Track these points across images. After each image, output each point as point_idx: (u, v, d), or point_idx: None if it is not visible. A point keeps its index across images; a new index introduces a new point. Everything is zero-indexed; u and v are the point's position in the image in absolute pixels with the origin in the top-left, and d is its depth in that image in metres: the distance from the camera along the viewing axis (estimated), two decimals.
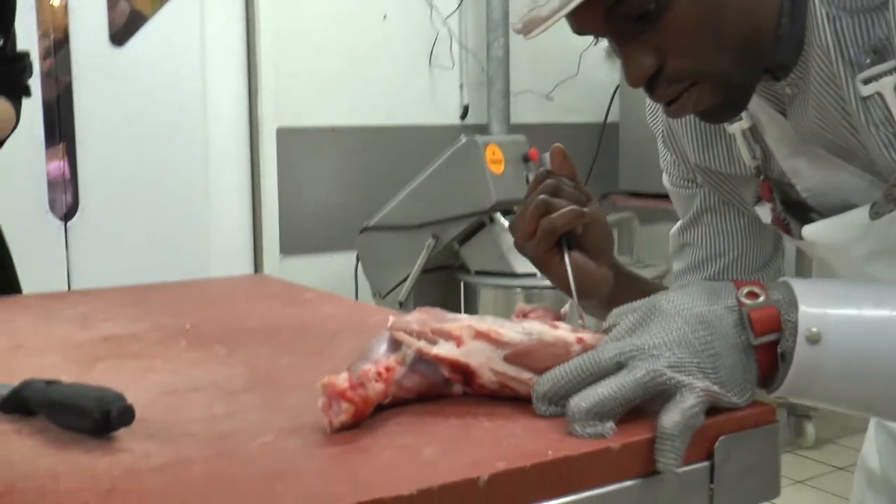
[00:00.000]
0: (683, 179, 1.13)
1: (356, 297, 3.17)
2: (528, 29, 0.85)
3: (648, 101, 1.11)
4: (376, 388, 0.79)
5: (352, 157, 3.33)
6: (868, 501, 1.18)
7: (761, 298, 0.77)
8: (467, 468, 0.66)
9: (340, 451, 0.71)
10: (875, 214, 0.88)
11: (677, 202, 1.17)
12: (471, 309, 3.00)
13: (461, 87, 3.57)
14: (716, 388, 0.74)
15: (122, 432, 0.75)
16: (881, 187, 0.88)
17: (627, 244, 3.63)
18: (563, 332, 0.84)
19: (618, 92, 3.79)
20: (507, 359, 0.83)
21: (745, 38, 0.86)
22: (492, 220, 2.85)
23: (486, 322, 0.86)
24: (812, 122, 0.90)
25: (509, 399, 0.83)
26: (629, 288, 1.05)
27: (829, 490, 3.18)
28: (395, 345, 0.87)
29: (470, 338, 0.84)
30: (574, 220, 0.95)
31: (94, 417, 0.73)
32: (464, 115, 3.53)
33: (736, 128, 0.99)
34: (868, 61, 0.83)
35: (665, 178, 1.18)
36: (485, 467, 0.66)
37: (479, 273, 2.94)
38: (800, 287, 0.77)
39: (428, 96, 3.54)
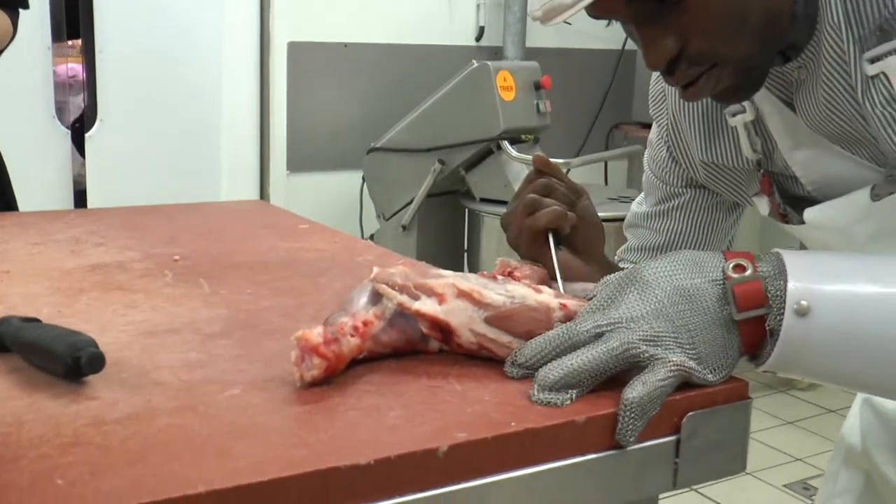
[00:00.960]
0: (675, 178, 1.13)
1: (360, 218, 3.16)
2: (548, 17, 0.84)
3: (652, 94, 1.10)
4: (351, 343, 0.79)
5: (363, 75, 3.30)
6: (842, 477, 1.19)
7: (748, 272, 0.76)
8: (428, 437, 0.67)
9: (306, 409, 0.72)
10: (875, 196, 0.87)
11: (652, 190, 1.18)
12: (474, 236, 2.99)
13: (478, 7, 3.51)
14: (691, 363, 0.74)
15: (93, 376, 0.75)
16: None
17: (637, 177, 3.60)
18: (547, 296, 0.84)
19: None
20: (489, 320, 0.83)
21: (765, 19, 0.85)
22: (499, 147, 2.82)
23: (469, 281, 0.85)
24: (821, 107, 0.89)
25: (485, 359, 0.83)
26: None
27: (820, 432, 3.20)
28: (376, 297, 0.87)
29: (453, 296, 0.83)
30: (558, 220, 0.97)
31: (65, 363, 0.74)
32: (479, 37, 3.47)
33: (738, 120, 0.98)
34: (874, 40, 0.81)
35: (646, 162, 1.18)
36: (446, 437, 0.66)
37: (483, 200, 2.92)
38: (791, 259, 0.76)
39: (443, 16, 3.48)
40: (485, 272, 0.93)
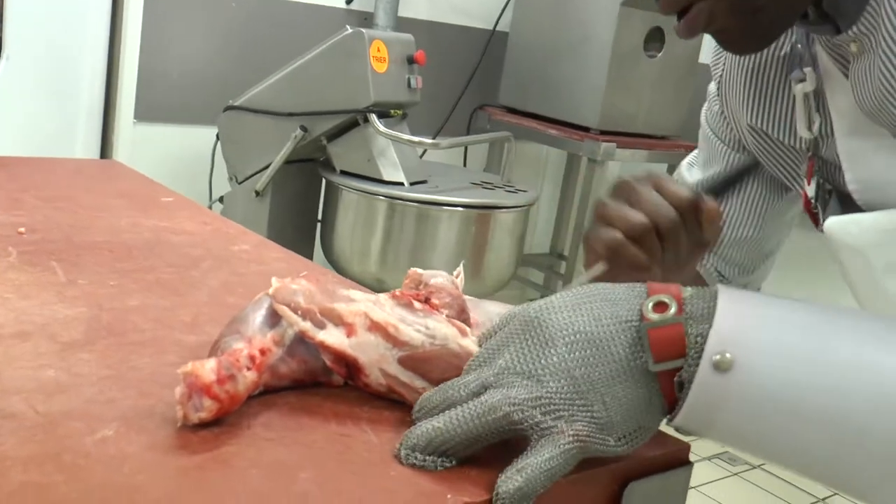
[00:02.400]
0: (727, 135, 1.01)
1: (210, 178, 2.97)
2: None
3: (715, 45, 0.98)
4: (247, 379, 0.67)
5: (226, 26, 3.08)
6: None
7: (670, 311, 0.61)
8: None
9: (196, 464, 0.59)
10: None
11: (704, 145, 1.05)
12: (330, 208, 2.86)
13: None
14: (593, 431, 0.61)
15: None
16: None
17: (498, 163, 3.55)
18: (471, 342, 0.73)
19: (512, 0, 3.64)
20: (402, 361, 0.72)
21: None
22: (366, 120, 2.69)
23: (384, 309, 0.74)
24: (877, 92, 0.75)
25: (394, 401, 0.73)
26: None
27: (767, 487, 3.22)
28: (274, 317, 0.75)
29: (364, 328, 0.72)
30: (616, 243, 0.82)
31: None
32: (349, 0, 3.31)
33: (799, 89, 0.85)
34: None
35: (703, 116, 1.05)
36: None
37: (344, 173, 2.79)
38: (726, 298, 0.62)
39: None
40: (397, 292, 0.82)
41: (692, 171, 1.07)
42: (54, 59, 2.79)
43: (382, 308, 0.74)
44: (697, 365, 0.60)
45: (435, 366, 0.72)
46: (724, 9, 0.75)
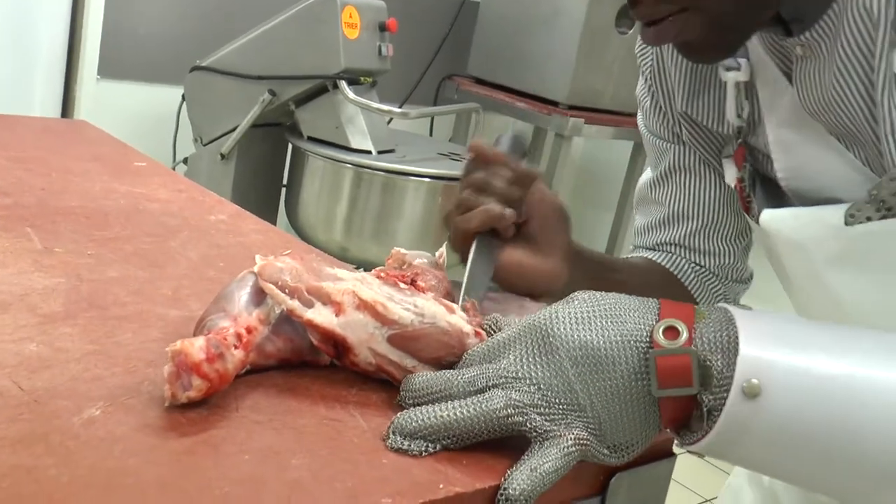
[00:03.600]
0: (663, 129, 1.01)
1: (175, 139, 2.92)
2: None
3: (638, 42, 0.98)
4: (235, 357, 0.66)
5: None
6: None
7: (681, 339, 0.61)
8: (344, 501, 0.55)
9: (187, 448, 0.58)
10: (850, 217, 0.76)
11: (649, 150, 1.05)
12: (296, 174, 2.83)
13: None
14: (590, 438, 0.62)
15: None
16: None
17: (465, 134, 3.53)
18: (459, 319, 0.72)
19: None
20: (392, 340, 0.71)
21: None
22: (336, 86, 2.66)
23: (372, 288, 0.73)
24: (827, 93, 0.77)
25: (382, 381, 0.72)
26: (603, 281, 0.88)
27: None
28: (259, 295, 0.73)
29: (352, 307, 0.71)
30: (489, 220, 0.83)
31: None
32: None
33: (731, 77, 0.87)
34: None
35: (640, 121, 1.05)
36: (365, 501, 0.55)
37: (311, 139, 2.76)
38: (743, 323, 0.62)
39: None
40: (382, 271, 0.81)
41: (645, 175, 1.08)
42: (12, 8, 2.72)
43: (370, 287, 0.73)
44: (726, 393, 0.60)
45: (425, 344, 0.71)
46: (696, 23, 0.76)
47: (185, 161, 2.91)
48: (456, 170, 2.76)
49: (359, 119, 2.73)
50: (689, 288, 1.04)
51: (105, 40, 2.87)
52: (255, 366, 0.70)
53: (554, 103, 3.27)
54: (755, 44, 0.85)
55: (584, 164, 4.25)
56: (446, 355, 0.71)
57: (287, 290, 0.72)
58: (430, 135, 3.65)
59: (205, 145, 2.85)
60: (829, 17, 0.76)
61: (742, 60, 0.86)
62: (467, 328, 0.73)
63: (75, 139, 1.41)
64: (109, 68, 2.89)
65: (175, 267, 0.91)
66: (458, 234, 0.84)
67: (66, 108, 2.88)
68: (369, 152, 2.71)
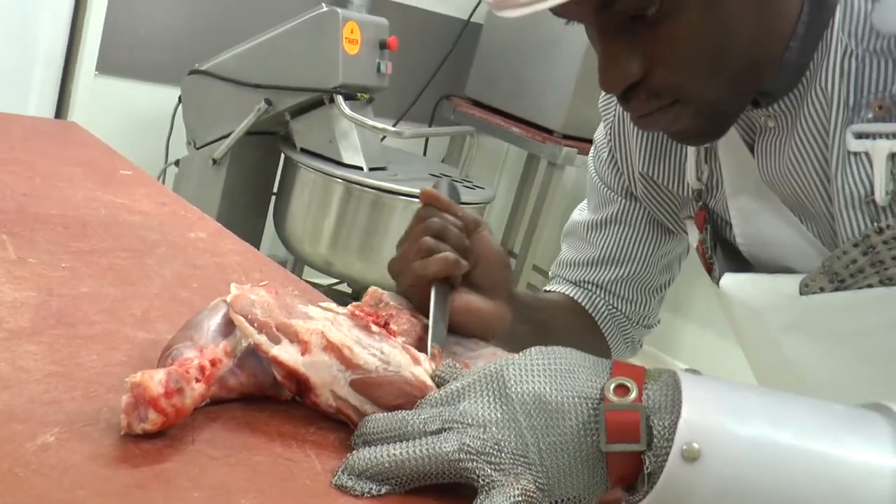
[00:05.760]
0: (615, 182, 1.04)
1: (168, 140, 2.92)
2: (499, 5, 0.72)
3: (603, 93, 1.00)
4: (195, 392, 0.66)
5: None
6: None
7: (631, 396, 0.62)
8: None
9: (138, 481, 0.58)
10: (805, 287, 0.78)
11: (593, 192, 1.07)
12: (286, 184, 2.83)
13: None
14: (537, 491, 0.63)
15: None
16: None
17: (458, 155, 3.54)
18: (423, 371, 0.73)
19: None
20: (354, 384, 0.71)
21: (747, 66, 0.75)
22: (332, 100, 2.66)
23: (341, 330, 0.73)
24: (785, 166, 0.80)
25: (340, 422, 0.72)
26: (529, 323, 0.95)
27: None
28: (229, 326, 0.74)
29: (319, 347, 0.72)
30: (448, 268, 0.85)
31: None
32: None
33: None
34: (870, 115, 0.72)
35: (591, 163, 1.07)
36: None
37: (304, 151, 2.76)
38: (689, 387, 0.62)
39: None
40: (357, 308, 0.81)
41: (582, 213, 1.11)
42: (14, 1, 2.72)
43: (340, 328, 0.74)
44: (666, 455, 0.61)
45: (386, 391, 0.72)
46: (689, 113, 0.77)
47: (177, 163, 2.91)
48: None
49: (353, 134, 2.73)
50: (603, 328, 1.09)
51: (105, 36, 2.87)
52: (216, 398, 0.70)
53: (549, 131, 3.28)
54: None
55: (576, 193, 4.26)
56: (406, 404, 0.72)
57: (256, 324, 0.72)
58: (424, 154, 3.66)
59: (198, 149, 2.85)
60: (796, 92, 0.78)
61: None
62: (430, 381, 0.74)
63: (64, 142, 1.41)
64: (108, 65, 2.89)
65: (148, 285, 0.91)
66: (415, 279, 0.86)
67: (62, 101, 2.88)
68: (361, 168, 2.71)
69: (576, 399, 0.64)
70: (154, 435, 0.63)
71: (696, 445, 0.60)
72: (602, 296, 1.09)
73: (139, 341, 0.78)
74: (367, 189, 2.67)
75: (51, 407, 0.64)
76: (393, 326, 0.80)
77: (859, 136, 0.73)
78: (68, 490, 0.55)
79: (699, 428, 0.61)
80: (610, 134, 1.01)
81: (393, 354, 0.73)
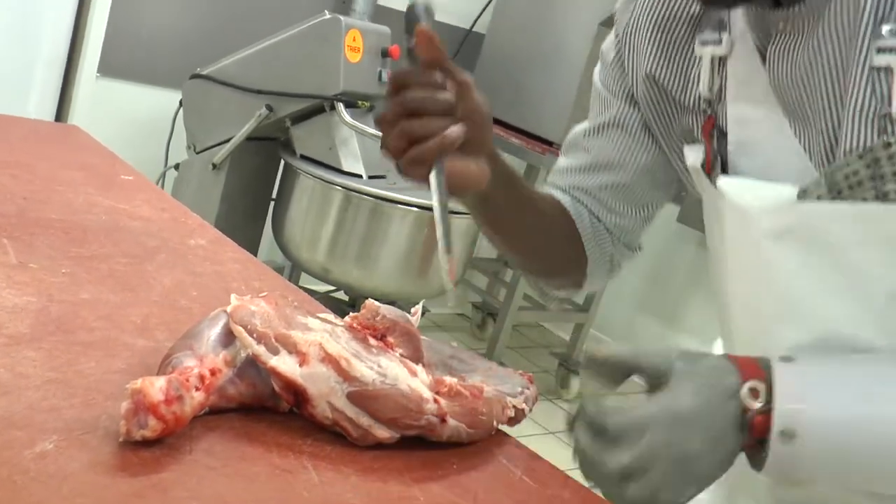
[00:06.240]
0: (618, 86, 1.03)
1: (168, 144, 2.92)
2: None
3: None
4: (195, 401, 0.66)
5: None
6: None
7: (761, 398, 0.72)
8: None
9: (136, 491, 0.58)
10: (803, 194, 0.79)
11: (595, 101, 1.08)
12: (285, 190, 2.83)
13: None
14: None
15: None
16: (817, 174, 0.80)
17: None
18: (420, 383, 0.73)
19: (493, 3, 3.64)
20: (351, 397, 0.72)
21: None
22: (333, 108, 2.67)
23: (339, 342, 0.74)
24: (796, 71, 0.80)
25: (336, 434, 0.73)
26: (507, 188, 0.94)
27: None
28: (229, 336, 0.74)
29: (317, 359, 0.72)
30: (449, 148, 0.81)
31: None
32: None
33: (708, 51, 0.89)
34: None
35: (596, 75, 1.07)
36: None
37: (303, 158, 2.77)
38: (780, 374, 0.72)
39: None
40: (354, 321, 0.82)
41: (581, 124, 1.10)
42: (18, 2, 2.73)
43: (338, 340, 0.74)
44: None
45: (383, 404, 0.72)
46: None
47: (177, 167, 2.91)
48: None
49: (353, 142, 2.74)
50: (584, 238, 1.08)
51: (108, 39, 2.88)
52: (214, 407, 0.71)
53: (549, 143, 3.29)
54: (738, 17, 0.87)
55: None
56: (403, 417, 0.72)
57: (255, 335, 0.72)
58: None
59: (198, 153, 2.85)
60: None
61: (724, 35, 0.88)
62: (427, 394, 0.74)
63: (65, 145, 1.41)
64: (110, 67, 2.90)
65: (148, 292, 0.91)
66: (415, 163, 0.82)
67: (63, 103, 2.88)
68: (360, 176, 2.72)
69: (728, 414, 0.72)
70: (152, 444, 0.64)
71: (790, 427, 0.70)
72: (588, 203, 1.08)
73: (138, 349, 0.78)
74: (365, 197, 2.67)
75: (50, 414, 0.64)
76: (390, 339, 0.80)
77: (882, 50, 0.73)
78: (66, 498, 0.55)
79: (789, 413, 0.71)
80: (622, 36, 1.01)
81: (390, 367, 0.73)
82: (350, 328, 0.78)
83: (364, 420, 0.72)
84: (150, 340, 0.81)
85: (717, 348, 1.04)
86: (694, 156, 0.92)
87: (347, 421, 0.72)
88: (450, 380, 0.78)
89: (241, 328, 0.72)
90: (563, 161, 1.11)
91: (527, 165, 3.87)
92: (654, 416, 0.72)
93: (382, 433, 0.73)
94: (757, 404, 0.72)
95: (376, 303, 0.88)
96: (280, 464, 0.67)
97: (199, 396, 0.67)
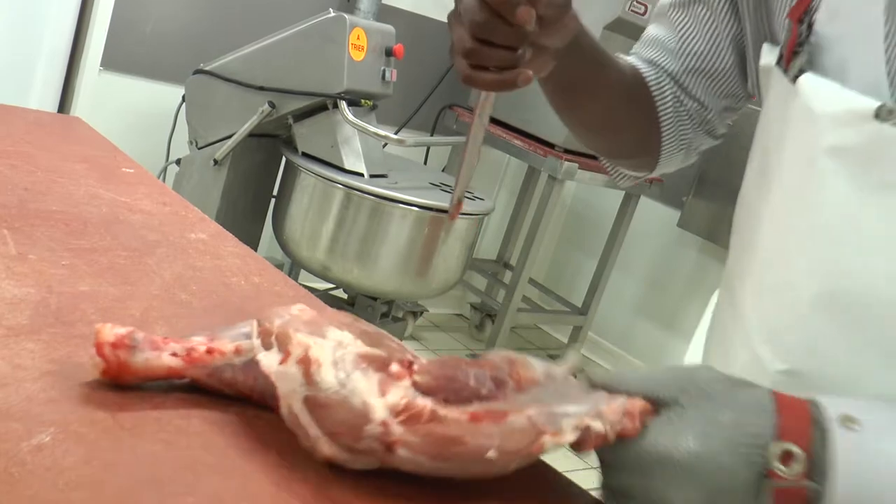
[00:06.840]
0: None
1: (170, 138, 2.92)
2: None
3: None
4: (160, 361, 0.68)
5: None
6: None
7: (796, 465, 0.61)
8: None
9: (131, 486, 0.58)
10: (879, 112, 0.71)
11: None
12: (286, 187, 2.83)
13: None
14: None
15: None
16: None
17: (454, 167, 3.53)
18: (382, 404, 0.66)
19: None
20: (306, 402, 0.67)
21: None
22: (336, 106, 2.67)
23: (325, 348, 0.69)
24: None
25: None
26: (582, 49, 0.91)
27: None
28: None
29: (296, 359, 0.68)
30: (508, 88, 0.79)
31: None
32: None
33: None
34: None
35: None
36: None
37: (305, 155, 2.76)
38: (843, 450, 0.61)
39: None
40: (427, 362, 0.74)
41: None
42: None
43: (341, 348, 0.71)
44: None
45: (328, 415, 0.66)
46: None
47: (178, 162, 2.91)
48: (445, 202, 2.77)
49: (355, 141, 2.73)
50: (661, 116, 1.04)
51: (112, 32, 2.88)
52: (205, 386, 0.71)
53: (550, 145, 3.28)
54: None
55: (574, 208, 4.26)
56: (343, 434, 0.66)
57: (260, 330, 0.72)
58: (425, 163, 3.66)
59: (199, 149, 2.85)
60: None
61: None
62: (378, 415, 0.65)
63: (66, 136, 1.41)
64: (113, 61, 2.89)
65: (148, 285, 0.91)
66: (477, 83, 0.81)
67: (66, 96, 2.87)
68: (361, 175, 2.71)
69: (745, 468, 0.62)
70: (151, 438, 0.63)
71: None
72: (671, 85, 1.05)
73: None
74: (366, 196, 2.67)
75: (47, 406, 0.63)
76: (415, 367, 0.74)
77: None
78: (63, 492, 0.55)
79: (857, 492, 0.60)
80: None
81: (356, 380, 0.67)
82: (365, 356, 0.72)
83: (312, 430, 0.67)
84: (149, 334, 0.80)
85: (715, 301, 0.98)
86: (770, 55, 0.86)
87: (299, 427, 0.67)
88: (424, 403, 0.68)
89: (255, 322, 0.72)
90: (651, 30, 1.07)
91: (528, 167, 3.87)
92: (653, 456, 0.65)
93: (326, 448, 0.66)
94: (789, 473, 0.61)
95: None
96: (277, 461, 0.66)
97: (170, 360, 0.69)
